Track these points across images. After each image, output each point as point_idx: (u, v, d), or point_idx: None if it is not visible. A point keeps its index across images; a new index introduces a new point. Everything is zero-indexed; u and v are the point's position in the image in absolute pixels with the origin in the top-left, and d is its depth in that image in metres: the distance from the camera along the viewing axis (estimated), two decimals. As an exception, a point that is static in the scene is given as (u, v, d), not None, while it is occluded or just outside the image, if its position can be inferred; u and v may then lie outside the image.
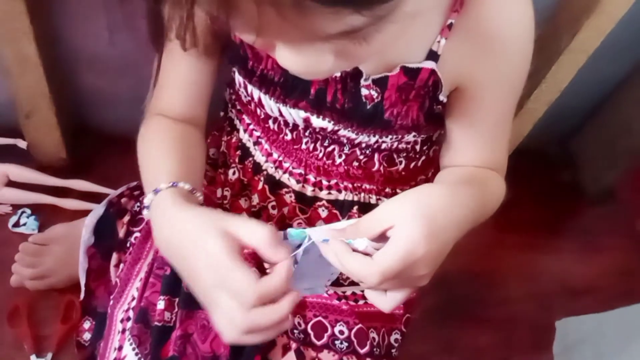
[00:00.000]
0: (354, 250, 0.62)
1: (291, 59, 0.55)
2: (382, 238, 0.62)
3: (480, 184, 0.75)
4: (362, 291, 0.93)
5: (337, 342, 0.87)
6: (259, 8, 0.45)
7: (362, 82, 0.74)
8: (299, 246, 0.65)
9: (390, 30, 0.50)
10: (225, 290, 0.62)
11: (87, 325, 1.18)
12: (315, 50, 0.54)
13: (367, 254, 0.62)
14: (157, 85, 0.87)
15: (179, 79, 0.86)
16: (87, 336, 1.16)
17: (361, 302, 0.92)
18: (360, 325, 0.88)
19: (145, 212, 0.75)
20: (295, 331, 0.86)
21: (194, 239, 0.64)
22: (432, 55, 0.72)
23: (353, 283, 0.94)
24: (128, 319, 0.91)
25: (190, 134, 0.86)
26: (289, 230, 0.64)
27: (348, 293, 0.92)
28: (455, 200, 0.65)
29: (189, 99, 0.87)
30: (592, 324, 1.43)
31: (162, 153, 0.80)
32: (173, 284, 0.87)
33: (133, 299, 0.93)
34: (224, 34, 0.79)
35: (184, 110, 0.87)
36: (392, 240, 0.60)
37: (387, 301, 0.66)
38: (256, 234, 0.62)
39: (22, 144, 1.38)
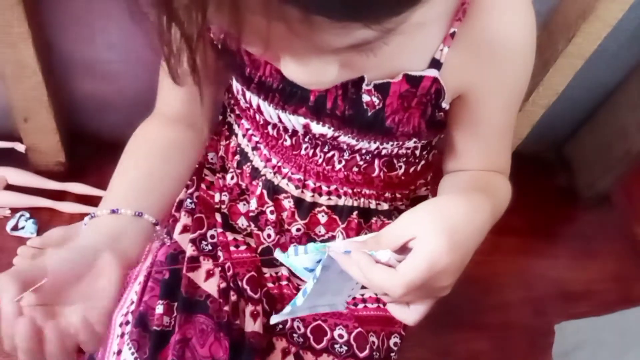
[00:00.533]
0: (377, 262, 0.62)
1: (296, 70, 0.56)
2: (403, 249, 0.62)
3: (490, 189, 0.75)
4: (362, 295, 0.93)
5: (336, 346, 0.87)
6: (268, 23, 0.46)
7: (364, 86, 0.74)
8: (318, 262, 0.64)
9: (397, 41, 0.51)
10: None
11: (85, 329, 1.18)
12: (320, 61, 0.55)
13: (389, 266, 0.62)
14: (159, 80, 0.88)
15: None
16: (85, 340, 1.16)
17: (360, 305, 0.92)
18: (359, 329, 0.88)
19: (83, 227, 0.78)
20: (294, 335, 0.86)
21: None
22: (435, 64, 0.72)
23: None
24: (127, 323, 0.90)
25: (176, 142, 0.87)
26: (309, 244, 0.64)
27: (348, 297, 0.93)
28: (473, 209, 0.65)
29: (184, 97, 0.86)
30: (590, 329, 1.44)
31: (125, 175, 0.84)
32: (172, 288, 0.87)
33: (132, 302, 0.93)
34: (225, 49, 0.79)
35: (180, 109, 0.87)
36: (415, 252, 0.60)
37: (410, 314, 0.66)
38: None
39: (20, 147, 1.38)
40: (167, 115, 0.87)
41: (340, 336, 0.88)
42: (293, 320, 0.87)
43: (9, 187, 1.35)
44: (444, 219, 0.61)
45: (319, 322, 0.89)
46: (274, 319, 0.73)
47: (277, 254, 0.68)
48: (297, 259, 0.66)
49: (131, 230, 0.76)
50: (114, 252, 0.72)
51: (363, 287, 0.68)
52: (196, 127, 0.90)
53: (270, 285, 0.90)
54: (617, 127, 1.58)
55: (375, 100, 0.75)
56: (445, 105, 0.77)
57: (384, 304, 0.93)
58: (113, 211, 0.76)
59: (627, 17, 1.16)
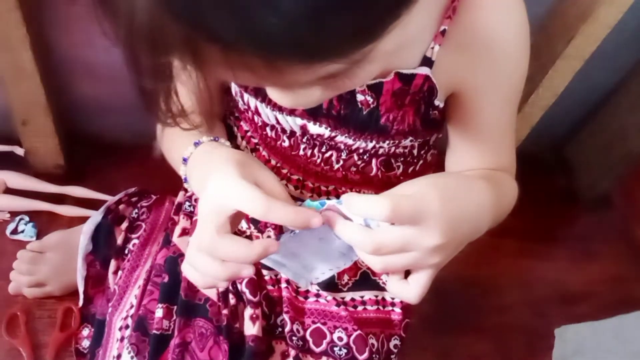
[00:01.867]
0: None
1: (280, 96, 0.57)
2: None
3: (494, 182, 0.74)
4: (362, 297, 0.93)
5: (336, 349, 0.87)
6: (234, 72, 0.46)
7: (357, 87, 0.74)
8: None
9: (373, 68, 0.51)
10: (220, 203, 0.62)
11: (85, 332, 1.18)
12: (301, 88, 0.55)
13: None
14: None
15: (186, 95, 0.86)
16: (85, 343, 1.16)
17: (360, 307, 0.92)
18: (359, 332, 0.88)
19: (182, 167, 0.77)
20: (294, 338, 0.86)
21: (220, 159, 0.66)
22: (427, 62, 0.72)
23: (352, 289, 0.94)
24: (126, 326, 0.91)
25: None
26: (307, 201, 0.64)
27: (347, 299, 0.92)
28: (471, 186, 0.66)
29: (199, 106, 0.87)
30: (589, 334, 1.44)
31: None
32: (171, 292, 0.87)
33: (131, 306, 0.93)
34: None
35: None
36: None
37: (411, 290, 0.64)
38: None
39: (19, 151, 1.38)
40: None
41: (340, 339, 0.88)
42: (292, 323, 0.87)
43: (8, 191, 1.35)
44: (437, 182, 0.62)
45: (318, 325, 0.89)
46: None
47: None
48: None
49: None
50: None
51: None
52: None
53: (269, 287, 0.90)
54: (617, 128, 1.58)
55: (370, 99, 0.75)
56: (438, 102, 0.77)
57: (384, 306, 0.93)
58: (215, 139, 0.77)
59: (625, 18, 1.16)
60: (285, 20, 0.41)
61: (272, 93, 0.58)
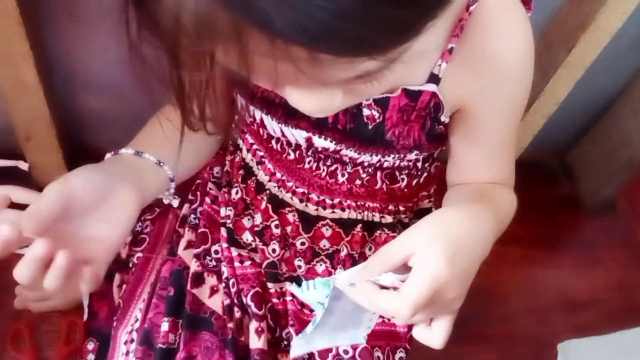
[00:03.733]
0: (382, 287, 0.63)
1: (301, 99, 0.57)
2: (405, 269, 0.62)
3: (493, 200, 0.76)
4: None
5: (341, 362, 0.87)
6: (275, 64, 0.46)
7: (364, 101, 0.74)
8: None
9: (401, 69, 0.51)
10: None
11: (90, 346, 1.17)
12: (325, 91, 0.55)
13: (395, 288, 0.62)
14: None
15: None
16: (90, 357, 1.16)
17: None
18: (364, 345, 0.88)
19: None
20: (299, 351, 0.86)
21: None
22: (434, 78, 0.72)
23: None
24: (132, 340, 0.90)
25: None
26: (317, 279, 0.65)
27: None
28: (475, 219, 0.66)
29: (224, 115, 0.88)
30: (592, 348, 1.43)
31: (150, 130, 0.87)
32: (177, 305, 0.87)
33: (136, 320, 0.93)
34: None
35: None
36: (415, 269, 0.61)
37: (435, 336, 0.67)
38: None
39: (23, 165, 1.38)
40: None
41: (346, 352, 0.88)
42: (297, 334, 0.87)
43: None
44: (442, 232, 0.62)
45: (324, 337, 0.89)
46: (293, 353, 0.75)
47: (294, 288, 0.69)
48: (309, 293, 0.68)
49: (152, 174, 0.81)
50: (136, 185, 0.74)
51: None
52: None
53: (275, 300, 0.90)
54: (620, 134, 1.58)
55: (376, 113, 0.75)
56: (444, 119, 0.77)
57: (389, 319, 0.93)
58: (137, 153, 0.80)
59: (626, 26, 1.16)
60: (337, 10, 0.42)
61: (294, 96, 0.58)
